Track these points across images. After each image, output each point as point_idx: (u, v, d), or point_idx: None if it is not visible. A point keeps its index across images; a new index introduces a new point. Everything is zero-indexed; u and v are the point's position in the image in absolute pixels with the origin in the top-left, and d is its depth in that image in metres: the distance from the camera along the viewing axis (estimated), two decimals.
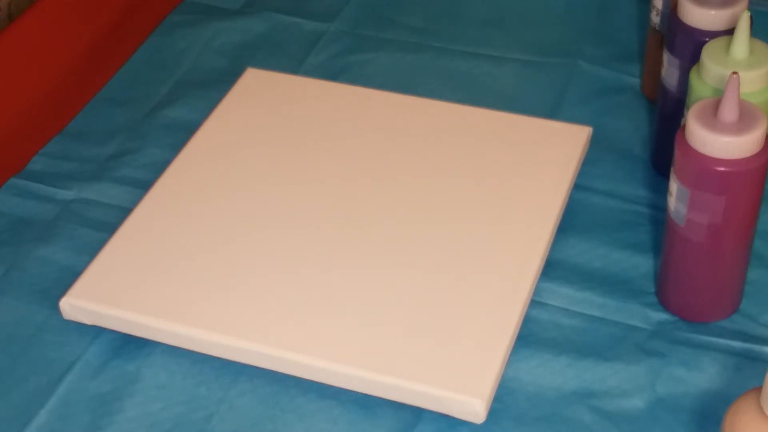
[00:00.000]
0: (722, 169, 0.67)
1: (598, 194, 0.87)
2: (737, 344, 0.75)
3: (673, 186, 0.71)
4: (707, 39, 0.76)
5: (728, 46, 0.73)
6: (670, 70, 0.82)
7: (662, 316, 0.77)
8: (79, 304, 0.76)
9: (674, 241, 0.73)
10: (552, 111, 0.94)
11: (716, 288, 0.75)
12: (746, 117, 0.68)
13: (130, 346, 0.76)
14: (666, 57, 0.82)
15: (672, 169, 0.71)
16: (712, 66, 0.73)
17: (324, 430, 0.71)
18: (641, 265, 0.81)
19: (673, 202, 0.71)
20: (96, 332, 0.77)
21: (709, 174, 0.67)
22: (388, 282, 0.77)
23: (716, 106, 0.68)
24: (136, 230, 0.81)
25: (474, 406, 0.69)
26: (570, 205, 0.85)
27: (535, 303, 0.78)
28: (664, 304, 0.77)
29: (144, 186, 0.88)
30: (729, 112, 0.67)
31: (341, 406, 0.72)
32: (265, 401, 0.73)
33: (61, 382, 0.74)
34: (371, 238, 0.80)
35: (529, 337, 0.76)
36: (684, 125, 0.69)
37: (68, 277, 0.80)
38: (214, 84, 0.99)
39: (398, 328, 0.73)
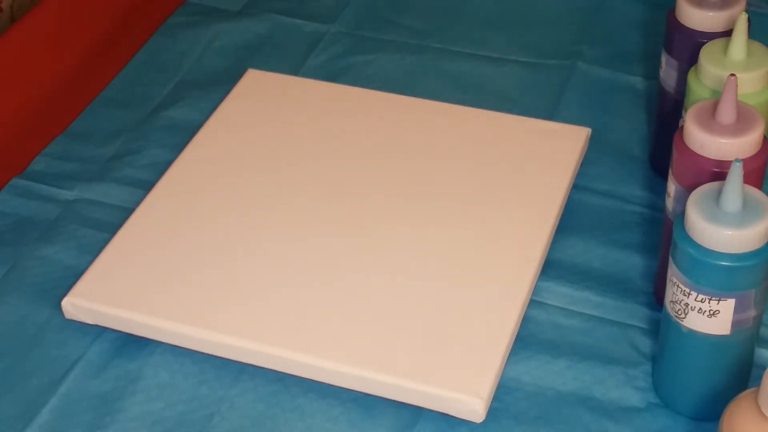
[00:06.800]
0: (720, 170, 0.67)
1: (597, 194, 0.87)
2: None
3: (671, 187, 0.71)
4: (705, 40, 0.77)
5: (726, 48, 0.74)
6: (668, 71, 0.82)
7: (660, 315, 0.77)
8: (81, 303, 0.77)
9: None
10: (551, 112, 0.95)
11: None
12: (744, 119, 0.68)
13: (131, 346, 0.77)
14: (664, 58, 0.82)
15: (670, 170, 0.71)
16: (709, 67, 0.73)
17: (324, 429, 0.71)
18: (640, 265, 0.81)
19: (671, 203, 0.72)
20: (97, 332, 0.78)
21: (706, 175, 0.67)
22: (388, 282, 0.77)
23: (714, 107, 0.68)
24: (137, 230, 0.82)
25: (473, 405, 0.69)
26: (569, 205, 0.85)
27: (534, 302, 0.78)
28: (662, 303, 0.77)
29: (145, 186, 0.88)
30: (727, 113, 0.67)
31: (341, 406, 0.72)
32: (266, 400, 0.73)
33: (63, 381, 0.75)
34: (371, 238, 0.80)
35: (528, 338, 0.76)
36: (682, 126, 0.70)
37: (70, 277, 0.81)
38: (215, 85, 0.99)
39: (398, 328, 0.74)
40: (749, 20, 0.73)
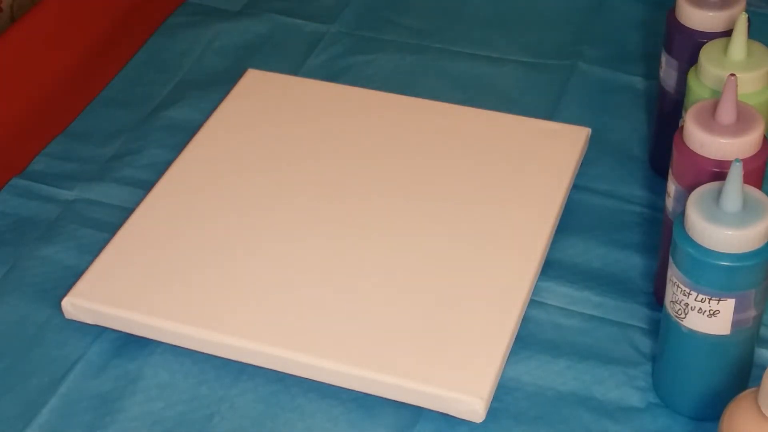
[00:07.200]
0: (720, 170, 0.67)
1: (597, 194, 0.87)
2: None
3: (671, 187, 0.71)
4: (705, 40, 0.77)
5: (726, 48, 0.74)
6: (668, 71, 0.82)
7: (660, 315, 0.77)
8: (81, 303, 0.77)
9: None
10: (551, 112, 0.95)
11: None
12: (744, 119, 0.68)
13: (131, 346, 0.77)
14: (664, 58, 0.82)
15: (670, 170, 0.71)
16: (710, 67, 0.73)
17: (324, 429, 0.71)
18: (639, 265, 0.81)
19: (671, 203, 0.72)
20: (97, 332, 0.78)
21: (706, 175, 0.67)
22: (387, 282, 0.77)
23: (714, 107, 0.68)
24: (137, 230, 0.82)
25: (473, 405, 0.69)
26: (569, 205, 0.85)
27: (534, 302, 0.78)
28: (662, 303, 0.77)
29: (145, 186, 0.88)
30: (727, 113, 0.67)
31: (341, 405, 0.72)
32: (266, 400, 0.73)
33: (63, 381, 0.75)
34: (371, 238, 0.80)
35: (528, 338, 0.76)
36: (682, 126, 0.70)
37: (70, 277, 0.81)
38: (215, 85, 0.99)
39: (398, 328, 0.74)
40: (749, 20, 0.73)
